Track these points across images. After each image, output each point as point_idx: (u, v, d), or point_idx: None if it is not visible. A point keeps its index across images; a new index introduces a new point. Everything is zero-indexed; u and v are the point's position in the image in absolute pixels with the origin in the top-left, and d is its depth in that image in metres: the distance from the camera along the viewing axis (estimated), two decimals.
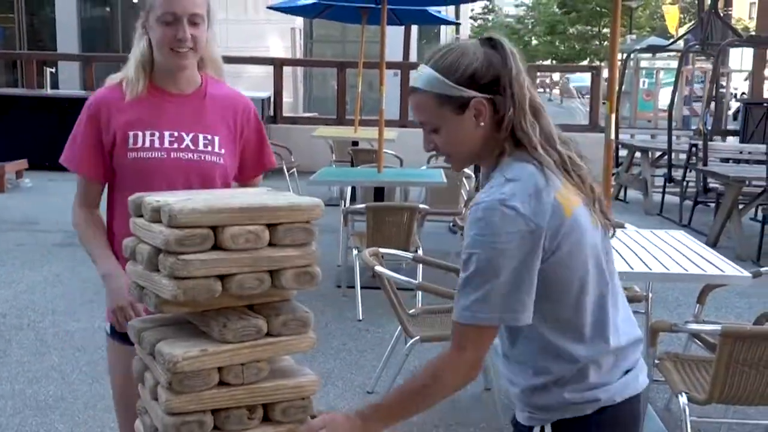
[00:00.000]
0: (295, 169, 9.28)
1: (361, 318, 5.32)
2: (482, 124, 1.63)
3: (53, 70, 12.26)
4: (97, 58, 13.04)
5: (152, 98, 2.19)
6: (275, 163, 2.46)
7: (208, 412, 1.59)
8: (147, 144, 2.16)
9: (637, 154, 9.94)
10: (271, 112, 12.04)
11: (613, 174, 9.91)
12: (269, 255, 1.61)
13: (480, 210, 1.57)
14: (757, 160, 8.91)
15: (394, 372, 3.98)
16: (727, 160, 9.17)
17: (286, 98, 13.43)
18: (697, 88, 14.80)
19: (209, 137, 2.21)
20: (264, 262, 1.61)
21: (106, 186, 2.29)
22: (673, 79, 10.65)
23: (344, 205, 6.62)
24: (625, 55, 12.86)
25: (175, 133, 2.18)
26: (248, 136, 2.31)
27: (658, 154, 9.90)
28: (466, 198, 6.86)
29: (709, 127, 9.24)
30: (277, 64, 12.38)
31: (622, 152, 10.49)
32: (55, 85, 13.25)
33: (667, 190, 9.39)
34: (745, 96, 17.22)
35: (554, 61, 37.04)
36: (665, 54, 16.59)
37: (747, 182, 7.51)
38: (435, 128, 1.66)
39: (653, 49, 15.53)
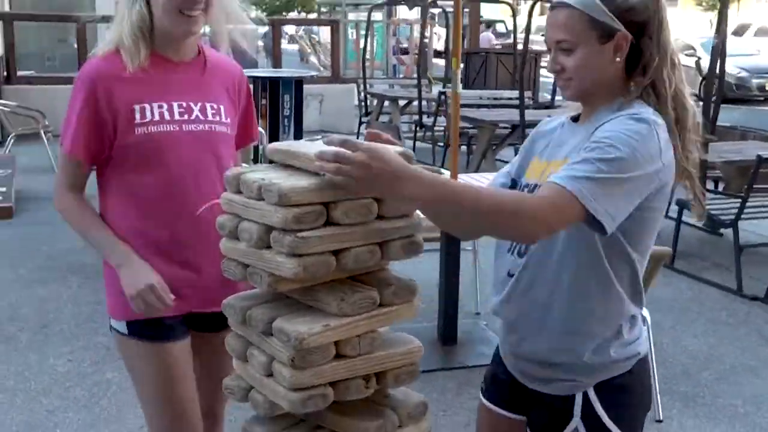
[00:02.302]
0: (51, 134, 8.28)
1: None
2: (618, 60, 1.63)
3: None
4: None
5: (155, 67, 1.99)
6: (258, 136, 2.33)
7: (328, 384, 1.62)
8: (156, 117, 1.97)
9: (386, 103, 10.32)
10: (5, 72, 10.46)
11: (362, 123, 10.31)
12: (379, 227, 1.63)
13: (639, 117, 1.59)
14: (493, 105, 9.59)
15: None
16: (465, 106, 9.51)
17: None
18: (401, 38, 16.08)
19: (215, 106, 2.07)
20: (375, 235, 1.62)
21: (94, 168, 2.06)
22: (377, 32, 11.33)
23: None
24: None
25: (184, 104, 2.02)
26: (242, 105, 2.18)
27: (403, 102, 10.33)
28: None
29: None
30: (7, 19, 10.75)
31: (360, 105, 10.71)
32: None
33: (417, 135, 9.82)
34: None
35: (264, 14, 35.91)
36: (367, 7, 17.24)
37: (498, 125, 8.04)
38: (571, 49, 1.63)
39: (394, 2, 16.05)
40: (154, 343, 2.03)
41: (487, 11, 20.59)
